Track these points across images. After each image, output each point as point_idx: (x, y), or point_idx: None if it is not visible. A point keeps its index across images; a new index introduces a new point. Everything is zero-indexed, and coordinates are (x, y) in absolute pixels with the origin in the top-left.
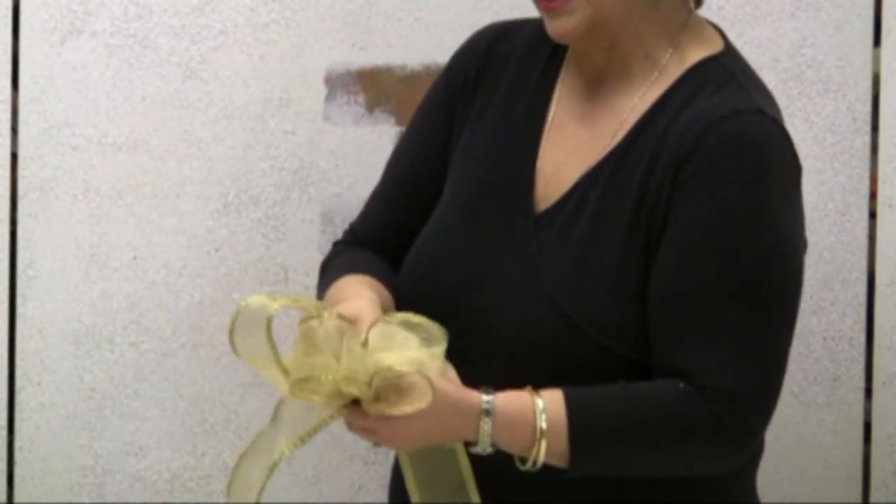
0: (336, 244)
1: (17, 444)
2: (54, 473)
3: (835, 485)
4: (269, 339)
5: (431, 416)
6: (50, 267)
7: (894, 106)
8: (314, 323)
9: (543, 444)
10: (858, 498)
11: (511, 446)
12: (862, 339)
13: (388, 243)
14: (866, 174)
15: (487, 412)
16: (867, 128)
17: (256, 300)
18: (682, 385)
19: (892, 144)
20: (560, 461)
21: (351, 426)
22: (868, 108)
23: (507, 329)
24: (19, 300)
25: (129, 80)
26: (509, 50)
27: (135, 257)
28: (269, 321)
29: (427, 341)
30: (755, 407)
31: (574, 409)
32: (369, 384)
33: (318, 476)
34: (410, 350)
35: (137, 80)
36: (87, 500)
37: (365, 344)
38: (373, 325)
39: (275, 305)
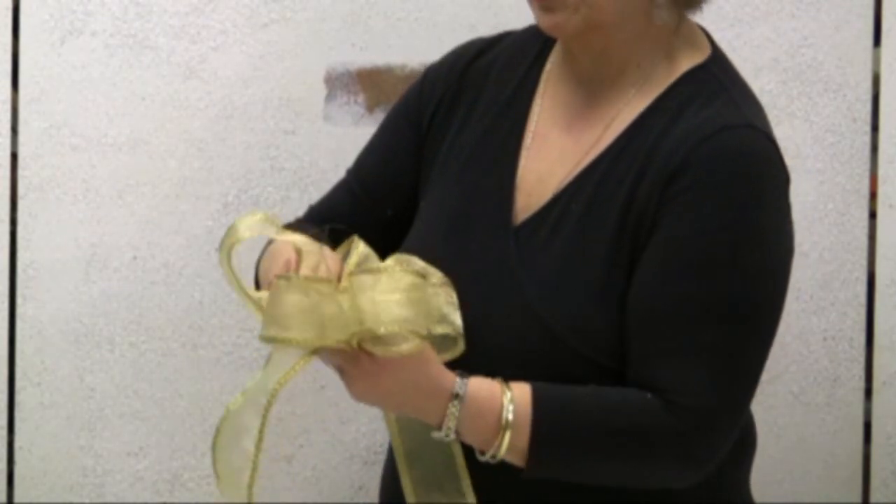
0: (297, 220)
1: (17, 444)
2: (54, 473)
3: (835, 485)
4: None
5: (408, 374)
6: (50, 267)
7: (894, 106)
8: (283, 282)
9: (507, 435)
10: (858, 498)
11: (474, 434)
12: (862, 339)
13: (342, 232)
14: (866, 174)
15: (458, 396)
16: (867, 128)
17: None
18: (649, 396)
19: (892, 144)
20: (519, 457)
21: (331, 359)
22: (868, 108)
23: (491, 342)
24: (19, 300)
25: (129, 80)
26: (489, 63)
27: (135, 257)
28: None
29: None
30: (720, 427)
31: (540, 404)
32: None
33: (318, 476)
34: (395, 308)
35: (137, 80)
36: (87, 500)
37: (344, 292)
38: (353, 272)
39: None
